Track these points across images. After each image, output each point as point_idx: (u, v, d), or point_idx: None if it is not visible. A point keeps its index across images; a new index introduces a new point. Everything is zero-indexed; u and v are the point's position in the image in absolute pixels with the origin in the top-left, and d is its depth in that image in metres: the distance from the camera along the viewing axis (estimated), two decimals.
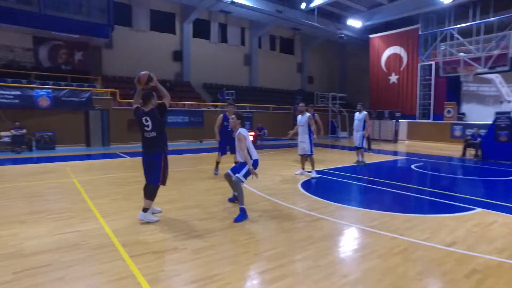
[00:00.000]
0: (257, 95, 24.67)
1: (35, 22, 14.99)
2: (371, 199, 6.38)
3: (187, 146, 16.21)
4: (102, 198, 5.89)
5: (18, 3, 14.75)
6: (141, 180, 7.02)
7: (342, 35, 23.67)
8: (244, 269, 3.28)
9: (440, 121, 19.68)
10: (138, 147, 4.76)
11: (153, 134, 4.52)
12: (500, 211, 5.46)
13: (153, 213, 4.83)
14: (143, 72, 4.49)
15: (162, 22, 21.82)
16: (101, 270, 3.18)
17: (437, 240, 4.13)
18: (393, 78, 23.11)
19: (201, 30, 23.32)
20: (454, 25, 19.59)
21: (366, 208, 5.51)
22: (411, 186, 7.51)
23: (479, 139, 12.10)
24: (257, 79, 26.14)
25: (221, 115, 8.25)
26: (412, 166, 10.44)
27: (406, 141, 20.76)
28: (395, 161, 11.66)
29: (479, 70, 13.26)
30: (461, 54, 16.90)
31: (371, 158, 12.26)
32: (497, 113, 11.98)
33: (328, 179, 8.13)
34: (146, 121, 4.48)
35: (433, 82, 20.59)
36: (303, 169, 8.55)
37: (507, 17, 17.38)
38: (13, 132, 12.54)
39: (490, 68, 12.90)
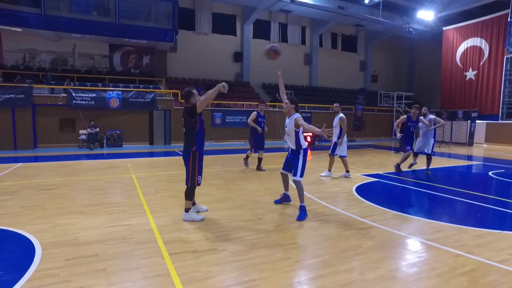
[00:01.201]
0: (317, 95, 24.05)
1: (112, 31, 16.47)
2: (436, 208, 5.68)
3: (243, 146, 16.35)
4: (154, 194, 6.12)
5: (98, 16, 16.36)
6: None
7: (411, 29, 21.91)
8: (281, 277, 3.07)
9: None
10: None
11: (184, 131, 4.54)
12: None
13: (198, 212, 4.85)
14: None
15: (223, 24, 22.40)
16: (140, 265, 3.22)
17: None
18: (470, 74, 20.72)
19: (261, 30, 23.45)
20: None
21: (428, 218, 4.90)
22: (488, 196, 6.56)
23: None
24: (317, 78, 25.49)
25: (255, 111, 8.90)
26: (490, 173, 9.17)
27: (484, 145, 18.48)
28: (468, 167, 10.38)
29: None
30: None
31: (439, 163, 11.10)
32: None
33: (386, 183, 7.50)
34: (183, 117, 4.52)
35: None
36: (347, 171, 7.98)
37: None
38: (89, 130, 13.84)
39: None
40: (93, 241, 3.82)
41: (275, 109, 19.03)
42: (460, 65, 21.31)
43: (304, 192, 6.37)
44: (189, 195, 4.60)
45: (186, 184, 4.55)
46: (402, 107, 21.93)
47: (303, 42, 25.19)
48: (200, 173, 4.55)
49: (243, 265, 3.28)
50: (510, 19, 18.48)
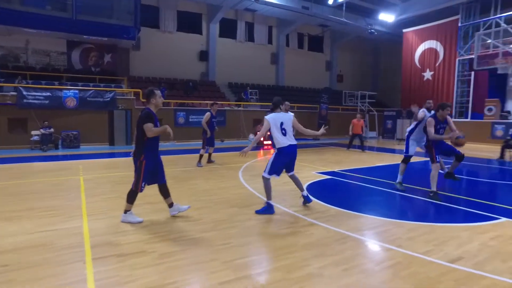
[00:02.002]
0: (283, 94, 24.13)
1: (69, 27, 15.73)
2: (380, 204, 5.82)
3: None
4: (98, 196, 5.87)
5: (54, 10, 15.55)
6: None
7: (373, 31, 22.56)
8: (204, 278, 3.00)
9: (480, 120, 18.09)
10: (159, 146, 4.65)
11: (136, 134, 4.40)
12: None
13: (179, 211, 4.73)
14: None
15: (189, 23, 22.08)
16: (56, 273, 3.04)
17: (441, 254, 3.59)
18: (428, 74, 21.63)
19: (228, 29, 23.32)
20: (501, 14, 17.82)
21: (370, 214, 5.00)
22: (423, 188, 6.80)
23: None
24: (284, 78, 25.70)
25: (208, 112, 9.24)
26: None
27: None
28: (421, 163, 10.78)
29: None
30: (498, 43, 15.35)
31: (393, 160, 11.47)
32: None
33: (338, 181, 7.63)
34: (138, 120, 4.38)
35: (472, 77, 19.00)
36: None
37: None
38: (42, 131, 13.14)
39: None
40: (9, 249, 3.55)
41: (240, 108, 18.97)
42: (419, 66, 22.20)
43: (253, 191, 6.40)
44: (131, 198, 4.44)
45: (131, 187, 4.40)
46: (366, 106, 22.53)
47: (270, 41, 25.31)
48: (145, 180, 4.40)
49: (168, 267, 3.18)
50: (460, 24, 19.47)
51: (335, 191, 6.68)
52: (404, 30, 23.22)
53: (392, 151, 14.52)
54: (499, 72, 12.87)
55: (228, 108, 18.88)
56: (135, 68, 20.07)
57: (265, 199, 5.13)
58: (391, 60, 28.02)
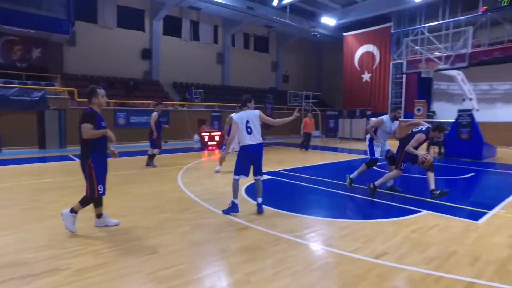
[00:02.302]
0: (229, 94, 24.09)
1: None
2: (317, 203, 5.94)
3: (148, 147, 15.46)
4: (10, 207, 5.23)
5: None
6: (75, 186, 6.45)
7: (316, 33, 23.37)
8: None
9: (410, 119, 19.59)
10: None
11: (79, 137, 3.99)
12: (445, 213, 5.12)
13: (106, 225, 4.32)
14: None
15: (130, 19, 20.98)
16: None
17: (368, 250, 3.71)
18: (366, 76, 22.98)
19: (172, 27, 22.59)
20: (425, 24, 19.57)
21: (306, 214, 5.05)
22: (363, 187, 7.13)
23: (442, 137, 11.93)
24: (230, 78, 25.59)
25: (155, 112, 9.07)
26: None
27: None
28: (356, 160, 11.34)
29: (440, 67, 13.10)
30: (422, 50, 16.77)
31: (335, 158, 11.94)
32: (459, 110, 11.86)
33: (278, 181, 7.69)
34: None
35: (404, 80, 20.54)
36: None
37: (473, 16, 17.51)
38: None
39: (451, 64, 12.86)
40: None
41: (184, 108, 18.48)
42: (358, 68, 23.49)
43: (190, 194, 6.18)
44: (85, 203, 4.10)
45: (86, 193, 4.06)
46: (310, 106, 23.26)
47: (216, 41, 25.03)
48: (101, 182, 4.05)
49: (83, 285, 2.87)
50: (393, 30, 20.98)
51: (274, 192, 6.69)
52: (344, 34, 24.38)
53: (335, 149, 15.11)
54: (422, 75, 14.08)
55: (172, 108, 18.28)
56: (69, 65, 18.58)
57: (231, 199, 5.00)
58: (334, 61, 29.26)
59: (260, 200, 5.10)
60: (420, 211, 5.22)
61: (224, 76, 25.51)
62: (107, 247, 3.68)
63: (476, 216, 4.99)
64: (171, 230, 4.29)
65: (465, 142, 11.12)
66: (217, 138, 16.23)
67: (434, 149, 12.43)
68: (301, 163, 10.52)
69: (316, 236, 4.18)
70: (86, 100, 4.20)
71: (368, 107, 21.35)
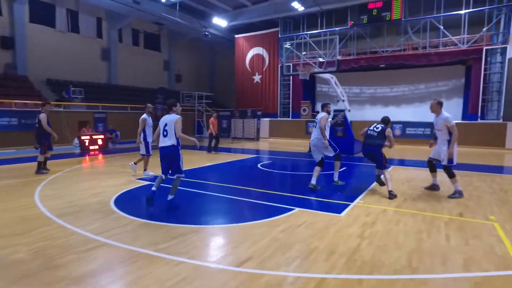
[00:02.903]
0: (116, 93, 22.16)
1: None
2: (193, 209, 5.58)
3: (17, 154, 12.98)
4: None
5: None
6: None
7: (207, 33, 23.21)
8: None
9: (298, 119, 21.14)
10: None
11: None
12: (314, 209, 5.38)
13: None
14: None
15: None
16: None
17: (232, 258, 3.54)
18: (257, 78, 23.87)
19: (43, 15, 19.50)
20: (306, 31, 21.29)
21: (176, 223, 4.69)
22: (245, 188, 7.14)
23: None
24: (117, 76, 23.53)
25: (44, 114, 8.37)
26: (259, 165, 10.38)
27: (270, 139, 21.62)
28: (243, 161, 11.53)
29: (315, 70, 14.46)
30: (300, 54, 18.33)
31: (227, 158, 11.89)
32: (334, 111, 13.10)
33: (159, 187, 7.13)
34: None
35: (291, 82, 21.97)
36: None
37: (344, 29, 19.90)
38: None
39: (324, 68, 14.32)
40: None
41: (60, 109, 16.17)
42: (249, 70, 24.22)
43: (44, 210, 5.19)
44: None
45: None
46: (203, 107, 23.00)
47: (100, 35, 22.68)
48: None
49: None
50: (280, 35, 22.30)
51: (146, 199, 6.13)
52: (236, 36, 24.85)
53: (228, 150, 15.11)
54: (300, 77, 15.18)
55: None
56: None
57: None
58: (226, 62, 29.57)
59: (170, 197, 5.49)
60: (293, 209, 5.36)
61: (111, 74, 23.32)
62: None
63: (340, 209, 5.36)
64: (7, 255, 3.42)
65: (340, 139, 12.32)
66: (100, 142, 14.58)
67: None
68: (189, 165, 10.12)
69: (181, 247, 3.84)
70: None
71: (259, 108, 22.20)
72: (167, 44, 27.66)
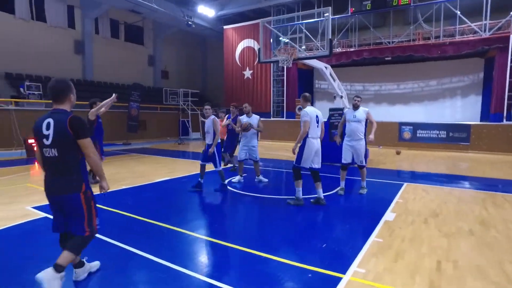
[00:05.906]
0: (92, 90, 19.73)
1: None
2: None
3: None
4: None
5: None
6: None
7: (191, 23, 20.78)
8: None
9: (292, 119, 18.70)
10: None
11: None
12: None
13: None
14: None
15: None
16: None
17: None
18: (248, 73, 21.39)
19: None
20: (300, 20, 18.85)
21: None
22: (179, 230, 4.76)
23: None
24: (93, 71, 21.16)
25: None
26: (226, 182, 7.99)
27: (262, 142, 19.18)
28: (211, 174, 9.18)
29: (301, 55, 11.73)
30: (288, 40, 15.95)
31: (189, 169, 9.51)
32: (331, 109, 10.75)
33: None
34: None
35: (285, 77, 19.56)
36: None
37: (344, 17, 17.49)
38: None
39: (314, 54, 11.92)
40: None
41: (10, 107, 13.83)
42: (239, 64, 21.77)
43: None
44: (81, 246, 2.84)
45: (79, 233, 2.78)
46: (189, 105, 20.62)
47: (72, 25, 20.32)
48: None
49: None
50: (272, 26, 19.82)
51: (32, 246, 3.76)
52: (224, 27, 22.45)
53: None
54: (280, 65, 12.61)
55: None
56: None
57: None
58: (217, 57, 27.20)
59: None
60: None
61: (86, 69, 20.94)
62: None
63: None
64: None
65: (338, 145, 9.92)
66: None
67: None
68: (142, 180, 7.76)
69: None
70: None
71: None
72: (151, 37, 25.25)
